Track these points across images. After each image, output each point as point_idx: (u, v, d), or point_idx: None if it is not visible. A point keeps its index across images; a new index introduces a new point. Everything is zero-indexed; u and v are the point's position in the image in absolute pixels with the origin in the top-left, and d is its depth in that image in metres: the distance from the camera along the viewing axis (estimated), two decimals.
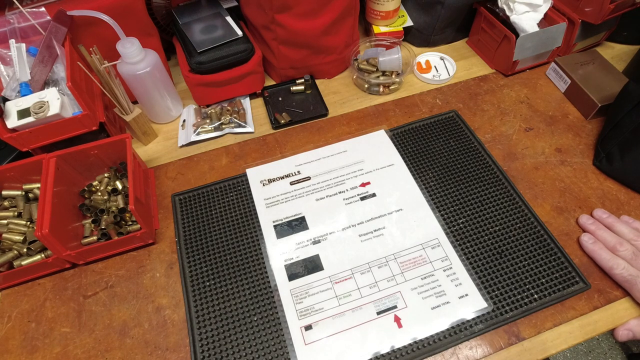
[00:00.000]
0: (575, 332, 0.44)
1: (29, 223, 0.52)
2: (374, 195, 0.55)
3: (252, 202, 0.55)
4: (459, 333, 0.44)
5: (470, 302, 0.45)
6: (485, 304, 0.45)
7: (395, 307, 0.45)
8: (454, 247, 0.49)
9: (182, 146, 0.63)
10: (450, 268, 0.48)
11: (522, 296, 0.46)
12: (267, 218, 0.53)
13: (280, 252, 0.50)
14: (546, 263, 0.48)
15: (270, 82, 0.71)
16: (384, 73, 0.67)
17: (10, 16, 0.54)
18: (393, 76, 0.66)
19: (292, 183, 0.57)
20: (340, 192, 0.55)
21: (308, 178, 0.57)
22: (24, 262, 0.49)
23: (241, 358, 0.43)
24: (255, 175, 0.58)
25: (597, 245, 0.48)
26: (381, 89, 0.67)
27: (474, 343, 0.43)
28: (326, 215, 0.53)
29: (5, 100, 0.51)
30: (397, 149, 0.59)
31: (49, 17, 0.54)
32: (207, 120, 0.64)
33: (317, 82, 0.70)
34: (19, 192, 0.54)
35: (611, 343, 1.20)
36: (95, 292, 0.49)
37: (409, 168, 0.57)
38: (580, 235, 0.49)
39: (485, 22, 0.68)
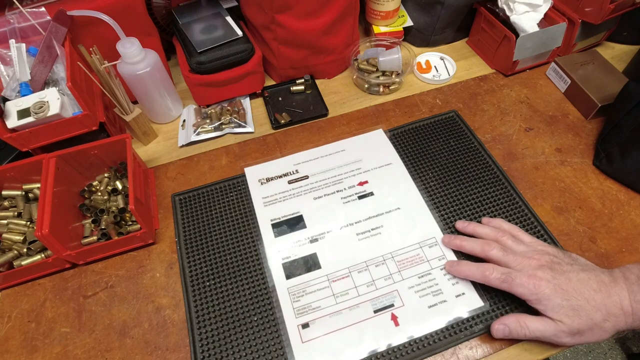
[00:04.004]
0: None
1: (29, 223, 0.52)
2: (371, 194, 0.55)
3: (252, 202, 0.55)
4: (458, 333, 0.44)
5: (467, 301, 0.45)
6: (481, 303, 0.45)
7: (392, 305, 0.45)
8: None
9: (182, 146, 0.63)
10: None
11: None
12: (265, 216, 0.53)
13: (277, 251, 0.50)
14: None
15: (270, 82, 0.71)
16: (384, 73, 0.67)
17: (10, 16, 0.54)
18: (393, 76, 0.66)
19: (290, 182, 0.57)
20: (338, 191, 0.55)
21: (306, 177, 0.57)
22: (24, 262, 0.49)
23: (241, 357, 0.43)
24: (253, 174, 0.58)
25: (461, 266, 0.46)
26: (381, 89, 0.67)
27: (474, 343, 0.43)
28: (324, 213, 0.53)
29: (5, 100, 0.51)
30: (395, 148, 0.59)
31: (49, 17, 0.54)
32: (207, 120, 0.64)
33: (317, 82, 0.70)
34: (19, 192, 0.54)
35: (611, 343, 1.20)
36: (95, 292, 0.49)
37: (407, 167, 0.57)
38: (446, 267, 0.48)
39: (485, 22, 0.68)
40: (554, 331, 0.39)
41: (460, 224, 0.50)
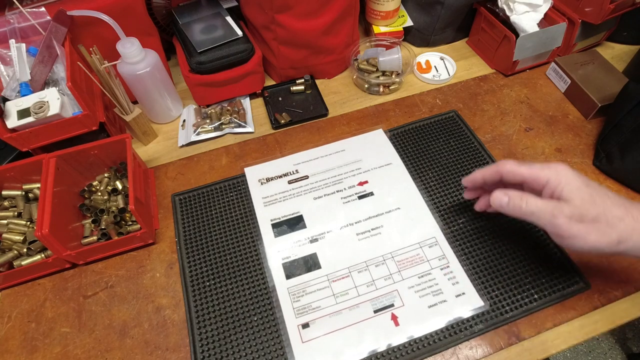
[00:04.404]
0: (575, 332, 0.44)
1: (29, 223, 0.52)
2: (371, 194, 0.55)
3: (252, 202, 0.55)
4: (458, 333, 0.44)
5: (467, 301, 0.45)
6: (482, 303, 0.45)
7: (392, 305, 0.45)
8: (452, 246, 0.49)
9: (182, 146, 0.63)
10: (448, 267, 0.48)
11: (522, 296, 0.46)
12: (265, 216, 0.53)
13: (277, 251, 0.50)
14: (546, 263, 0.48)
15: (270, 82, 0.71)
16: (384, 73, 0.67)
17: (10, 16, 0.54)
18: (393, 76, 0.66)
19: (290, 182, 0.57)
20: (338, 191, 0.55)
21: (306, 177, 0.57)
22: (24, 262, 0.49)
23: (241, 357, 0.43)
24: (253, 174, 0.58)
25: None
26: (381, 89, 0.67)
27: (474, 343, 0.43)
28: (324, 213, 0.53)
29: (5, 100, 0.51)
30: (395, 148, 0.59)
31: (49, 17, 0.54)
32: (207, 120, 0.64)
33: (317, 82, 0.70)
34: (19, 192, 0.54)
35: (611, 343, 1.20)
36: (95, 292, 0.49)
37: (407, 167, 0.57)
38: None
39: (485, 22, 0.68)
40: (553, 209, 0.36)
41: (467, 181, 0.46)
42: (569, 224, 0.35)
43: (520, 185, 0.41)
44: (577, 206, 0.35)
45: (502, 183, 0.42)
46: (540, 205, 0.37)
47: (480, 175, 0.44)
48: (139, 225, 0.51)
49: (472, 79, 0.69)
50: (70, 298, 0.49)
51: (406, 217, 0.52)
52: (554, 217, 0.36)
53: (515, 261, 0.48)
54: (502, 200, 0.39)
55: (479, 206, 0.47)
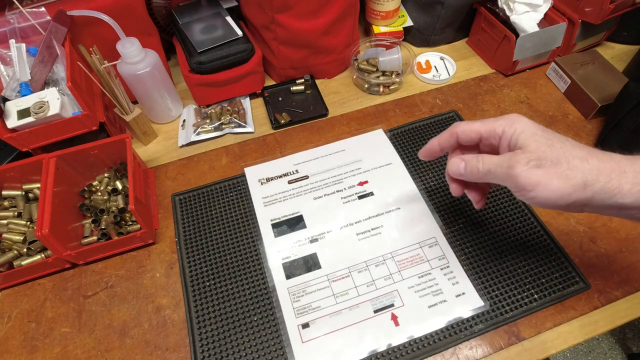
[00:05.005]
0: (575, 332, 0.44)
1: (29, 223, 0.52)
2: (371, 194, 0.55)
3: (252, 202, 0.55)
4: (458, 333, 0.44)
5: (467, 301, 0.45)
6: (482, 303, 0.45)
7: (392, 305, 0.45)
8: (452, 246, 0.49)
9: (182, 146, 0.63)
10: (448, 267, 0.48)
11: (522, 296, 0.46)
12: (265, 216, 0.53)
13: (277, 251, 0.50)
14: (546, 263, 0.48)
15: (270, 82, 0.71)
16: (384, 73, 0.67)
17: (10, 16, 0.54)
18: (393, 76, 0.66)
19: (290, 182, 0.57)
20: (338, 191, 0.55)
21: (306, 177, 0.57)
22: (24, 262, 0.49)
23: (241, 357, 0.43)
24: (253, 174, 0.58)
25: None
26: (381, 89, 0.67)
27: (473, 343, 0.43)
28: (324, 213, 0.53)
29: (5, 100, 0.51)
30: (395, 148, 0.59)
31: (49, 17, 0.54)
32: (207, 120, 0.64)
33: (317, 82, 0.70)
34: (19, 192, 0.54)
35: (611, 343, 1.20)
36: (95, 292, 0.49)
37: (407, 167, 0.57)
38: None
39: (485, 22, 0.68)
40: (509, 160, 0.33)
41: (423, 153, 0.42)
42: (527, 171, 0.32)
43: (478, 148, 0.39)
44: (533, 151, 0.32)
45: (460, 149, 0.40)
46: (496, 160, 0.34)
47: (436, 142, 0.41)
48: (139, 225, 0.51)
49: (472, 79, 0.69)
50: (70, 298, 0.49)
51: (406, 217, 0.52)
52: (510, 168, 0.32)
53: (515, 261, 0.48)
54: (460, 166, 0.37)
55: (454, 191, 0.42)
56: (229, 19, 0.64)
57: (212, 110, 0.65)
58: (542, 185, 0.32)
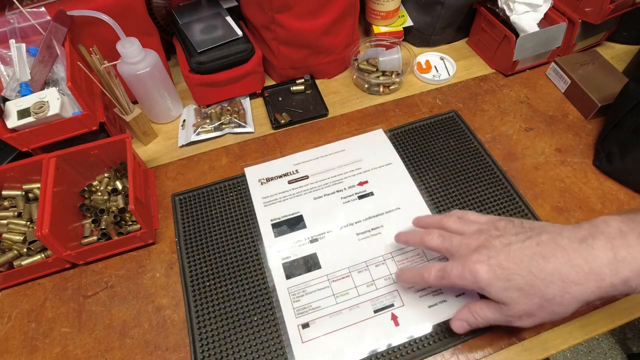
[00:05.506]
0: (575, 332, 0.44)
1: (29, 223, 0.52)
2: (371, 194, 0.55)
3: (252, 202, 0.55)
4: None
5: (467, 301, 0.45)
6: None
7: (392, 305, 0.45)
8: None
9: (182, 146, 0.63)
10: None
11: None
12: (265, 216, 0.53)
13: (277, 251, 0.50)
14: None
15: (270, 82, 0.71)
16: (384, 73, 0.67)
17: (10, 16, 0.54)
18: (393, 76, 0.66)
19: (290, 182, 0.57)
20: (338, 191, 0.55)
21: (306, 177, 0.57)
22: (24, 262, 0.49)
23: (241, 357, 0.43)
24: (253, 174, 0.58)
25: (403, 274, 0.43)
26: (381, 89, 0.67)
27: (474, 343, 0.43)
28: (324, 213, 0.53)
29: (5, 100, 0.51)
30: (395, 148, 0.59)
31: (49, 17, 0.54)
32: (207, 120, 0.64)
33: (317, 82, 0.70)
34: (19, 192, 0.54)
35: (611, 343, 1.20)
36: (95, 292, 0.49)
37: (407, 167, 0.57)
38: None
39: (485, 22, 0.68)
40: (502, 317, 0.35)
41: (415, 220, 0.46)
42: (525, 322, 0.35)
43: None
44: (514, 309, 0.35)
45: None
46: (491, 315, 0.37)
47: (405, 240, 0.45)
48: (139, 225, 0.51)
49: (472, 79, 0.69)
50: (70, 298, 0.49)
51: (406, 217, 0.52)
52: (509, 323, 0.36)
53: None
54: (464, 327, 0.40)
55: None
56: (229, 19, 0.64)
57: (212, 110, 0.65)
58: (546, 320, 0.35)
